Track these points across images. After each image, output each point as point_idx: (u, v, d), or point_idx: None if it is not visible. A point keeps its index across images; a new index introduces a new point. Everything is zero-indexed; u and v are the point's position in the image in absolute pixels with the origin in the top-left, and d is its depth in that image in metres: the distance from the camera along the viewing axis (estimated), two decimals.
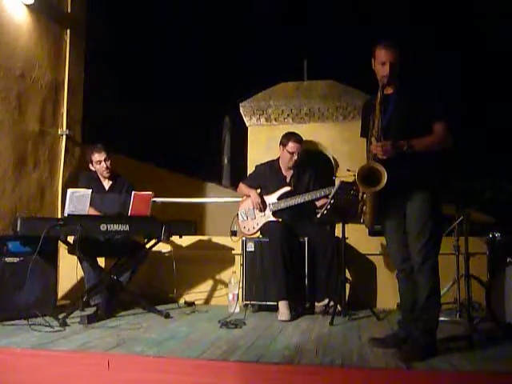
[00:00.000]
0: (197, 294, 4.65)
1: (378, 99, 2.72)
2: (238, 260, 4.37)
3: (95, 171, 4.26)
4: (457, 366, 2.43)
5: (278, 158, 4.31)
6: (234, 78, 10.04)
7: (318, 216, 3.86)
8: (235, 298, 4.05)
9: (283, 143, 4.19)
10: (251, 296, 4.08)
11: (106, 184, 4.28)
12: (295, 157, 4.15)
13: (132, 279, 4.09)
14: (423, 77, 2.96)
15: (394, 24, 8.70)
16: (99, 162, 4.16)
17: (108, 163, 4.19)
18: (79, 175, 4.44)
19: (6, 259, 3.59)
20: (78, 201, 3.56)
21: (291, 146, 4.13)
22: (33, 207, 4.75)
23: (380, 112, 2.71)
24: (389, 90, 2.80)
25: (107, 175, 4.23)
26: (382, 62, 2.75)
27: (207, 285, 4.69)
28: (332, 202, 3.68)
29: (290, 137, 4.17)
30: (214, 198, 8.51)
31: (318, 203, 4.12)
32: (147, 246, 4.01)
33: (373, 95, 2.86)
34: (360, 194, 2.89)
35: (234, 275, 4.14)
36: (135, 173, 5.73)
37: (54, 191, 5.03)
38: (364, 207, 2.76)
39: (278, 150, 4.28)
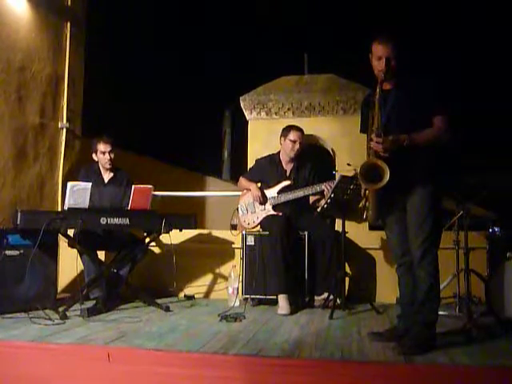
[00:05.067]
0: (197, 287, 4.65)
1: (377, 95, 2.72)
2: (238, 254, 4.38)
3: (97, 162, 4.28)
4: (456, 360, 2.44)
5: (279, 152, 4.30)
6: (235, 72, 10.01)
7: (318, 210, 3.86)
8: (235, 292, 4.06)
9: (284, 134, 4.21)
10: (251, 290, 4.09)
11: (106, 177, 4.28)
12: (297, 145, 4.15)
13: (132, 273, 4.10)
14: (422, 72, 2.94)
15: (394, 19, 8.66)
16: (103, 152, 4.20)
17: (112, 155, 4.23)
18: (81, 168, 4.45)
19: (6, 252, 3.59)
20: (78, 194, 3.56)
21: (293, 134, 4.15)
22: (33, 200, 4.74)
23: (379, 108, 2.71)
24: (387, 86, 2.80)
25: (109, 167, 4.26)
26: (378, 57, 2.75)
27: (207, 278, 4.69)
28: (332, 195, 3.68)
29: (290, 127, 4.21)
30: (214, 191, 8.51)
31: (311, 199, 4.14)
32: (147, 239, 4.01)
33: (372, 90, 2.86)
34: (362, 191, 2.89)
35: (233, 269, 4.15)
36: (135, 166, 5.73)
37: (54, 184, 5.03)
38: (367, 203, 2.77)
39: (279, 144, 4.28)
